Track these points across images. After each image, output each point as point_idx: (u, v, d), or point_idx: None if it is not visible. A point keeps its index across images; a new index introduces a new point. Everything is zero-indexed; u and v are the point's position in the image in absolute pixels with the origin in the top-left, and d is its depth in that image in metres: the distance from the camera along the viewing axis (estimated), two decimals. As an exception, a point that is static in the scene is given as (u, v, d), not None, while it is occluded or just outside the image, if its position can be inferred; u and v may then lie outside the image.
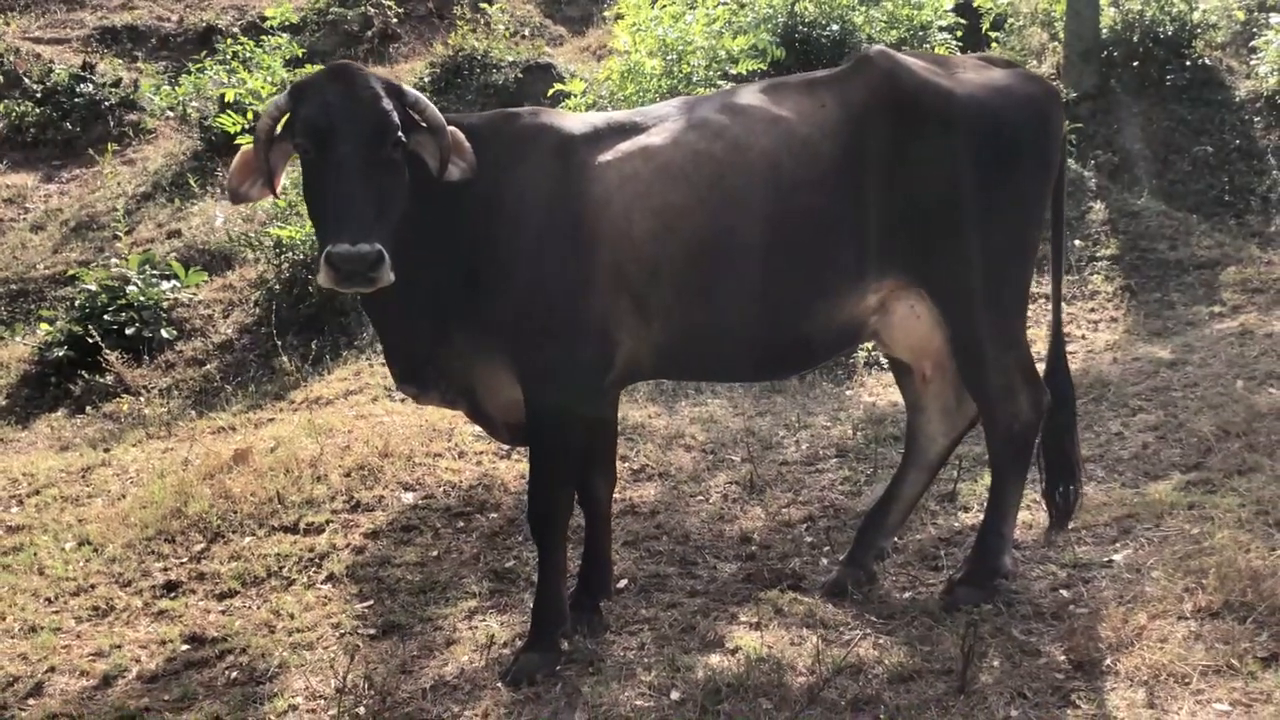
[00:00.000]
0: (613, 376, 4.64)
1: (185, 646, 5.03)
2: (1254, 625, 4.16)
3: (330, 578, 5.53)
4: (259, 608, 5.31)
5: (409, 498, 6.23)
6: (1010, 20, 14.13)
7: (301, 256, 9.45)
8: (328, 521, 6.02)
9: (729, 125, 4.53)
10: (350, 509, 6.15)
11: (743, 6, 11.40)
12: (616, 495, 6.11)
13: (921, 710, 3.99)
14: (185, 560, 5.79)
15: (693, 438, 6.93)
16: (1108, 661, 4.15)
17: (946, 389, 4.96)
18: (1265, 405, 6.28)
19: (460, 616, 5.08)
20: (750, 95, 4.68)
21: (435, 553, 5.68)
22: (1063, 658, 4.24)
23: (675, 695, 4.28)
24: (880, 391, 7.71)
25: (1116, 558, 5.00)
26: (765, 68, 10.20)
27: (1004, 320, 4.70)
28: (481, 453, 6.72)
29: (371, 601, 5.28)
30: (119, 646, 5.06)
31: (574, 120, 4.70)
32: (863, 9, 11.81)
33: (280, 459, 6.54)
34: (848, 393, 7.83)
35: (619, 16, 11.45)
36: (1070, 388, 4.94)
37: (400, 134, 4.10)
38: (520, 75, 14.06)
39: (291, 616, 5.17)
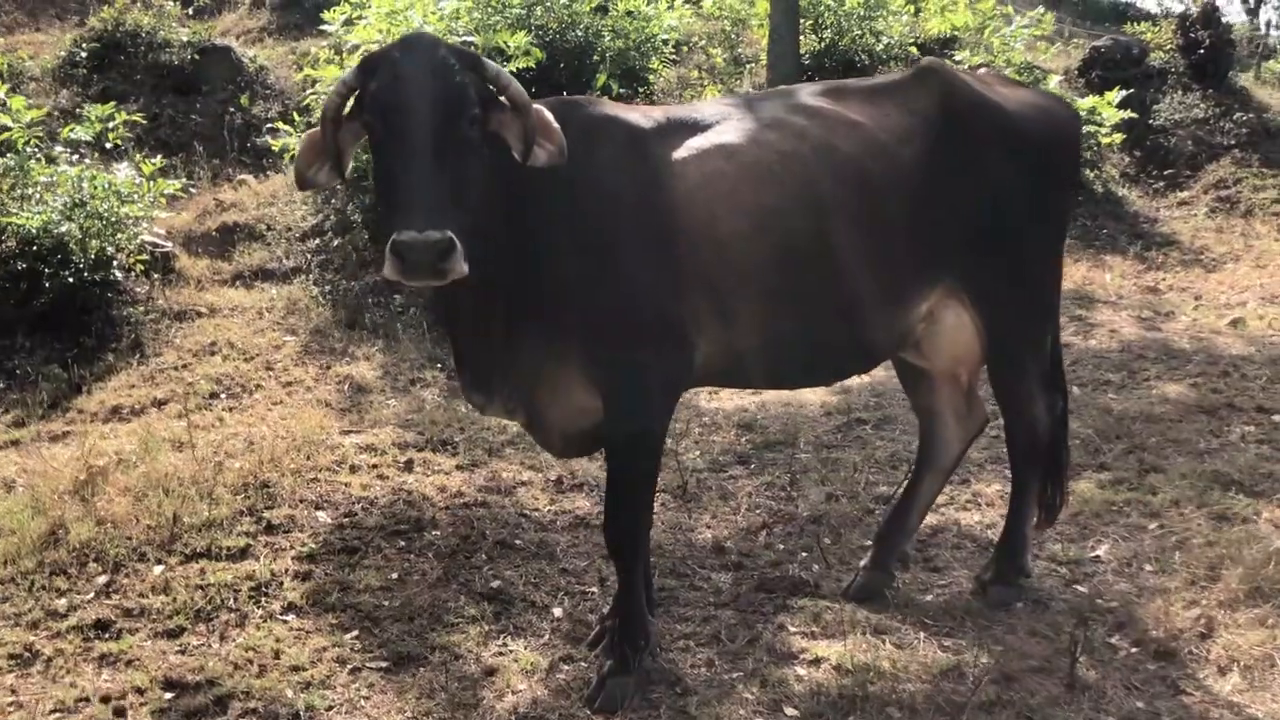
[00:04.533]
0: (687, 384, 4.59)
1: (169, 695, 4.40)
2: (1292, 606, 4.77)
3: (291, 608, 5.02)
4: (226, 646, 4.73)
5: (324, 517, 5.76)
6: (694, 39, 14.86)
7: (35, 247, 8.36)
8: (247, 546, 5.45)
9: (809, 127, 4.59)
10: (264, 531, 5.60)
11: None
12: (555, 508, 6.02)
13: (1051, 708, 4.23)
14: (93, 595, 5.04)
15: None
16: (1187, 650, 4.59)
17: (959, 395, 5.25)
18: (1122, 410, 7.10)
19: (474, 643, 4.78)
20: (815, 98, 4.76)
21: (395, 575, 5.30)
22: (1135, 649, 4.64)
23: (791, 711, 4.29)
24: (769, 400, 7.89)
25: (1100, 552, 5.52)
26: (532, 66, 10.17)
27: (1037, 328, 5.07)
28: (375, 465, 6.32)
29: (357, 632, 4.85)
30: (85, 700, 4.34)
31: (635, 113, 4.58)
32: (595, 17, 12.02)
33: (151, 477, 5.84)
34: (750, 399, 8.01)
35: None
36: (1065, 390, 5.38)
37: (478, 111, 3.83)
38: (196, 57, 13.17)
39: (277, 654, 4.65)
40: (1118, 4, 32.72)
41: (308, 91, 10.46)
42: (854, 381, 7.75)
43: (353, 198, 10.17)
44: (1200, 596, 4.95)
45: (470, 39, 10.42)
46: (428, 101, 3.74)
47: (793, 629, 4.90)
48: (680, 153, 4.39)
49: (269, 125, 12.28)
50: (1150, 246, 12.29)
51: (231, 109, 12.79)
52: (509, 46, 10.08)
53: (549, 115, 3.99)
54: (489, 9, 10.99)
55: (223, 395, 7.35)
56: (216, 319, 8.60)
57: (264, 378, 7.59)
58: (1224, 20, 16.34)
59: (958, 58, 13.53)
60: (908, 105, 4.74)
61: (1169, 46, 16.59)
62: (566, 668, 4.62)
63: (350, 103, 3.92)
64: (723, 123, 4.56)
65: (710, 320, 4.38)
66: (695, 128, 4.52)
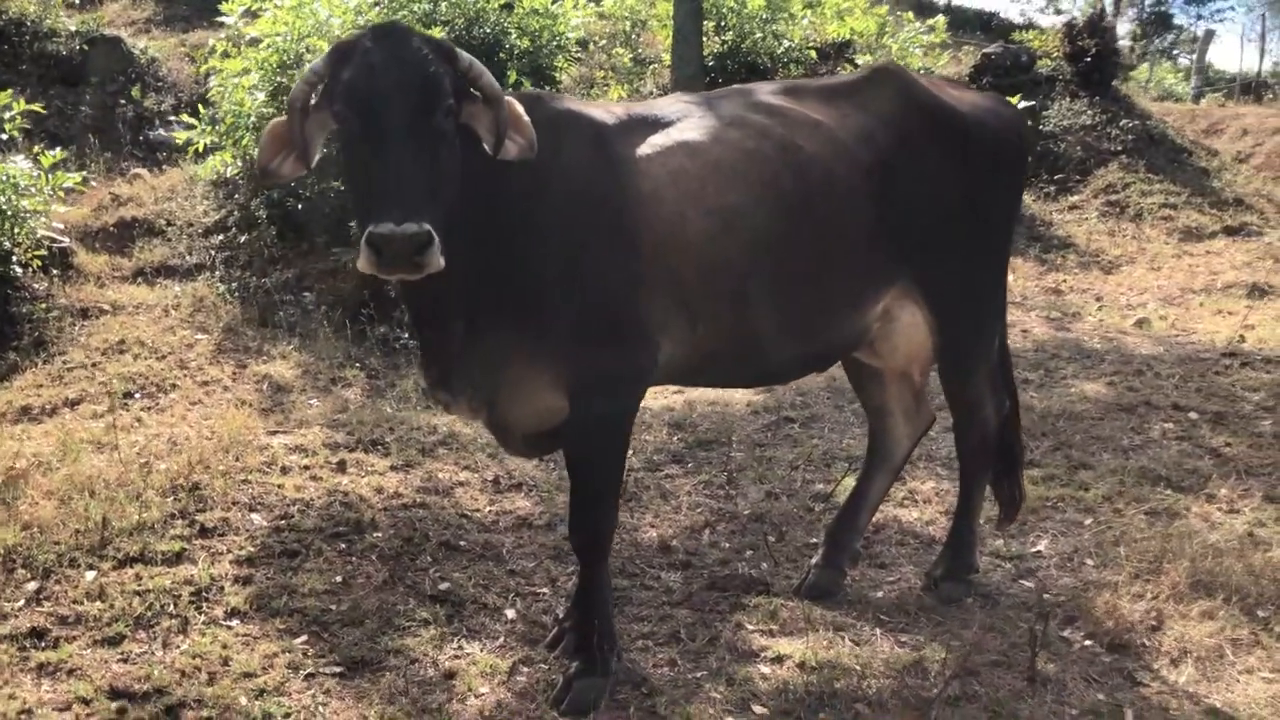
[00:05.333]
0: (651, 383, 4.57)
1: (115, 704, 4.23)
2: (1239, 601, 4.91)
3: (234, 613, 4.88)
4: (171, 653, 4.57)
5: (259, 519, 5.61)
6: (595, 39, 14.86)
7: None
8: (182, 550, 5.28)
9: (771, 125, 4.60)
10: (198, 534, 5.43)
11: None
12: (495, 508, 5.97)
13: (1015, 702, 4.30)
14: (25, 602, 4.84)
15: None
16: (1140, 643, 4.71)
17: (908, 394, 5.32)
18: (1045, 408, 7.28)
19: (429, 646, 4.69)
20: (774, 97, 4.77)
21: (339, 578, 5.18)
22: (1089, 642, 4.75)
23: (759, 709, 4.29)
24: (696, 398, 7.88)
25: (1040, 548, 5.64)
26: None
27: (988, 327, 5.16)
28: (306, 466, 6.17)
29: (306, 637, 4.73)
30: (28, 712, 4.16)
31: (597, 109, 4.56)
32: (501, 14, 11.92)
33: (74, 480, 5.64)
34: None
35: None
36: (1014, 387, 5.48)
37: (452, 102, 3.78)
38: (84, 47, 12.78)
39: (225, 661, 4.51)
40: (983, 14, 33.70)
41: (211, 83, 10.19)
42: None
43: (257, 193, 9.96)
44: (1145, 590, 5.08)
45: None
46: (403, 91, 3.68)
47: (751, 627, 4.91)
48: (643, 150, 4.37)
49: (166, 118, 12.00)
50: (1049, 249, 12.64)
51: (123, 101, 12.44)
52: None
53: (520, 108, 3.94)
54: (395, 3, 10.84)
55: (138, 395, 7.12)
56: (122, 316, 8.33)
57: (179, 377, 7.37)
58: (1109, 29, 16.88)
59: (858, 61, 13.76)
60: (866, 106, 4.78)
61: (1056, 54, 17.07)
62: (526, 670, 4.57)
63: (318, 92, 3.85)
64: (684, 120, 4.55)
65: (674, 319, 4.35)
66: (656, 125, 4.50)
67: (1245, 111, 23.20)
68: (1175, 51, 43.47)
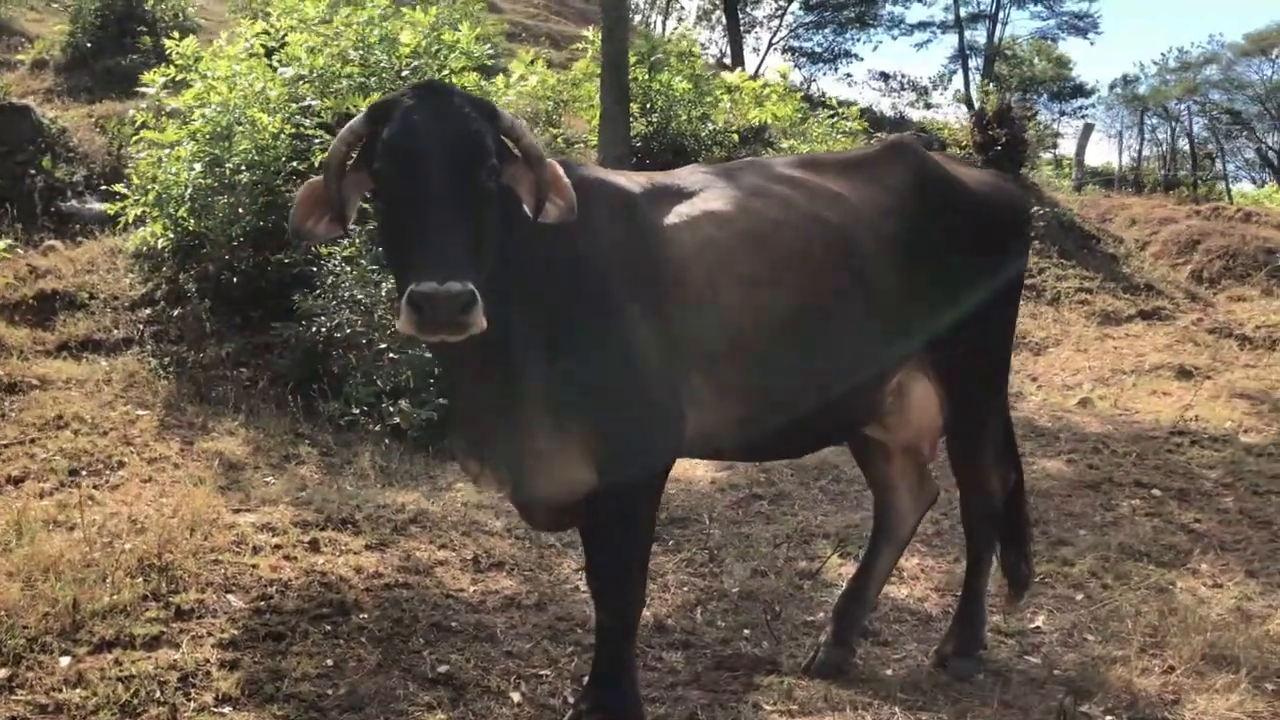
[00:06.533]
0: (680, 455, 4.51)
1: (114, 800, 4.03)
2: (1249, 674, 4.96)
3: (225, 699, 4.64)
4: (163, 744, 4.37)
5: (236, 601, 5.38)
6: (517, 118, 14.90)
7: None
8: (160, 634, 5.03)
9: (795, 197, 4.63)
10: (175, 617, 5.17)
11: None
12: (480, 588, 5.83)
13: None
14: (-4, 692, 4.59)
15: (508, 524, 6.70)
16: (1161, 717, 4.72)
17: (911, 468, 5.33)
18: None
19: (438, 732, 4.56)
20: (792, 169, 4.81)
21: (330, 661, 4.97)
22: (1110, 718, 4.74)
23: (797, 789, 4.23)
24: None
25: (1038, 623, 5.66)
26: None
27: (996, 401, 5.21)
28: (278, 546, 5.94)
29: (307, 724, 4.56)
30: (19, 810, 3.94)
31: (621, 177, 4.55)
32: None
33: (35, 560, 5.35)
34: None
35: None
36: (1018, 459, 5.52)
37: (495, 161, 3.73)
38: (-11, 116, 12.44)
39: (226, 751, 4.33)
40: (862, 109, 34.71)
41: (140, 155, 9.95)
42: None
43: (183, 266, 9.73)
44: (1153, 664, 5.12)
45: (313, 103, 10.19)
46: (446, 149, 3.63)
47: (769, 707, 4.82)
48: (671, 219, 4.36)
49: (78, 190, 11.72)
50: (976, 331, 12.85)
51: (33, 171, 12.07)
52: (360, 110, 9.87)
53: (560, 170, 3.90)
54: (329, 74, 10.73)
55: (84, 472, 6.81)
56: (53, 391, 8.01)
57: (125, 453, 7.09)
58: (1018, 118, 17.44)
59: (783, 145, 14.00)
60: (882, 180, 4.84)
61: (965, 143, 17.57)
62: (545, 755, 4.43)
63: (355, 152, 3.78)
64: (707, 190, 4.55)
65: (701, 389, 4.32)
66: (681, 194, 4.49)
67: (1130, 202, 24.10)
68: (1054, 146, 45.17)
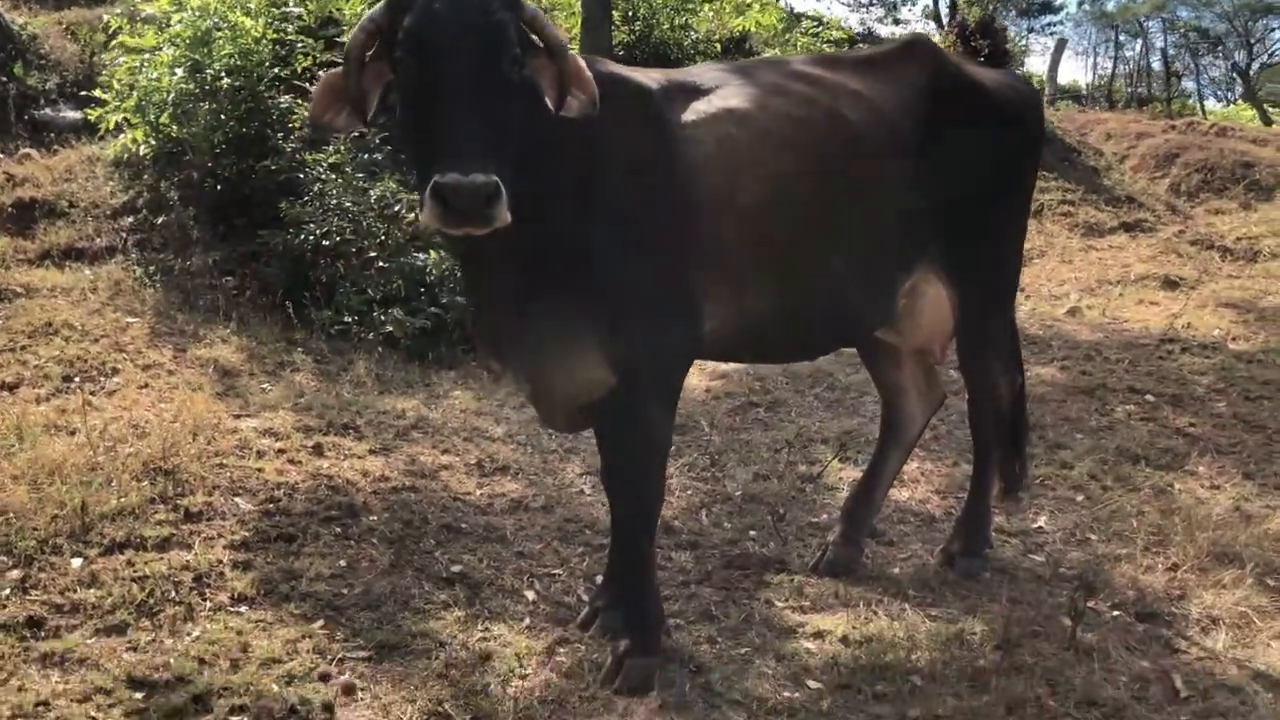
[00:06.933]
0: (698, 356, 4.51)
1: (138, 694, 4.01)
2: (1254, 570, 5.06)
3: (241, 598, 4.67)
4: (182, 641, 4.35)
5: (244, 504, 5.38)
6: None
7: None
8: (170, 535, 5.04)
9: (815, 94, 4.58)
10: (184, 519, 5.18)
11: None
12: (486, 491, 5.86)
13: (1065, 670, 4.34)
14: (10, 591, 4.55)
15: (510, 430, 6.72)
16: (1167, 612, 4.82)
17: (920, 373, 5.35)
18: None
19: (454, 629, 4.56)
20: (810, 67, 4.77)
21: (342, 562, 5.00)
22: (1118, 613, 4.84)
23: (814, 684, 4.27)
24: None
25: (1041, 523, 5.74)
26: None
27: (1006, 304, 5.24)
28: (282, 450, 5.95)
29: (323, 622, 4.54)
30: (44, 704, 3.91)
31: (638, 73, 4.49)
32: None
33: (39, 464, 5.34)
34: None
35: None
36: (1022, 363, 5.56)
37: (518, 51, 3.65)
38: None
39: (245, 648, 4.31)
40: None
41: (119, 60, 9.76)
42: (729, 367, 7.83)
43: (164, 174, 9.60)
44: (1156, 562, 5.22)
45: (295, 8, 10.02)
46: (469, 38, 3.55)
47: (780, 604, 4.89)
48: (690, 116, 4.30)
49: (51, 98, 11.51)
50: (961, 243, 12.90)
51: (4, 79, 11.84)
52: (343, 14, 9.75)
53: (582, 63, 3.85)
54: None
55: (77, 378, 6.76)
56: (39, 299, 7.91)
57: (118, 360, 7.03)
58: (1001, 30, 17.36)
59: (766, 54, 13.89)
60: (901, 78, 4.80)
61: (945, 54, 17.48)
62: (563, 650, 4.47)
63: (375, 43, 3.71)
64: (725, 88, 4.49)
65: (720, 289, 4.29)
66: (698, 91, 4.43)
67: (1106, 117, 24.20)
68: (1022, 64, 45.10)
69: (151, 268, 8.70)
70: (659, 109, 4.27)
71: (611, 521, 4.60)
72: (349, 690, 4.09)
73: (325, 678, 4.18)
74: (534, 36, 3.73)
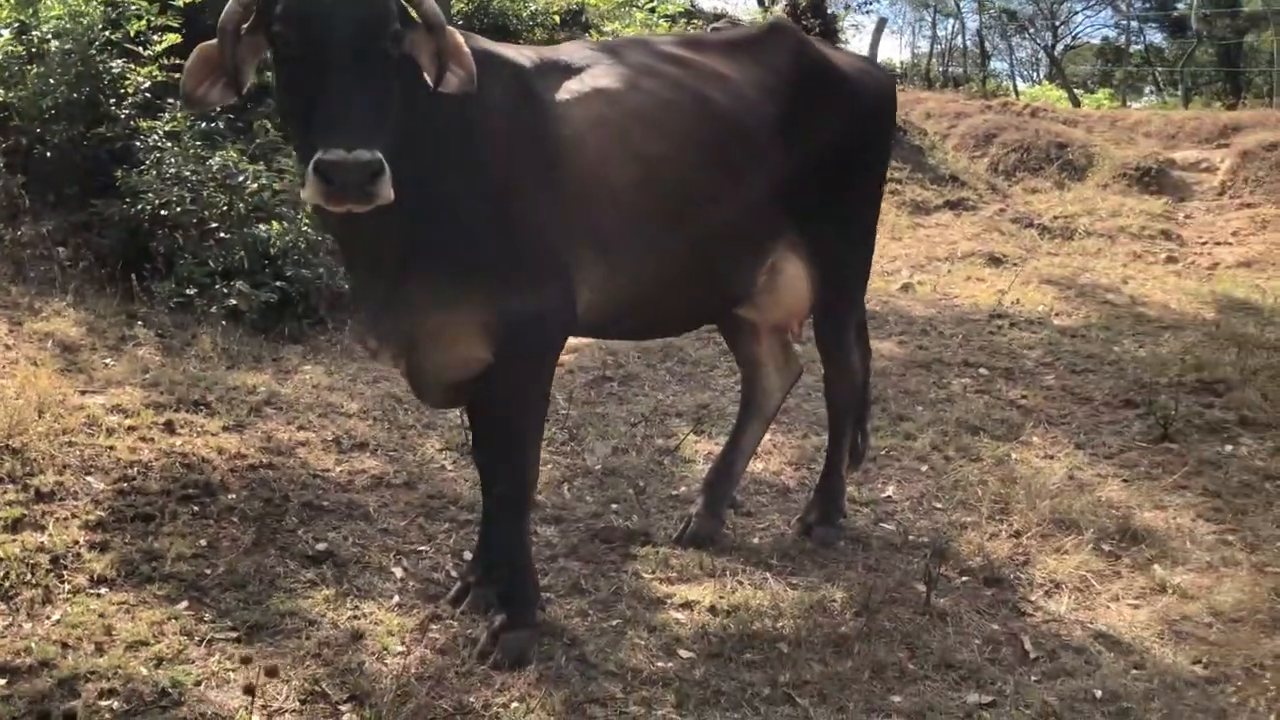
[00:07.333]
0: (572, 332, 4.57)
1: (1, 681, 3.94)
2: (1090, 536, 5.36)
3: (100, 580, 4.56)
4: (42, 625, 4.24)
5: (97, 483, 5.24)
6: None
7: None
8: (22, 516, 4.88)
9: (683, 76, 4.68)
10: (35, 499, 5.01)
11: None
12: (345, 468, 5.83)
13: (923, 634, 4.55)
14: None
15: (364, 406, 6.68)
16: (1013, 577, 5.07)
17: (779, 347, 5.51)
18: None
19: (323, 608, 4.54)
20: (677, 48, 4.86)
21: (203, 541, 4.91)
22: (966, 579, 5.08)
23: (686, 653, 4.39)
24: None
25: (889, 493, 5.97)
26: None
27: (860, 281, 5.43)
28: (132, 427, 5.77)
29: (187, 603, 4.48)
30: (-99, 695, 3.82)
31: (509, 49, 4.52)
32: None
33: None
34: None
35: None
36: (867, 344, 5.76)
37: (399, 26, 3.67)
38: None
39: (109, 630, 4.23)
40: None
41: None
42: (581, 341, 7.89)
43: (-14, 140, 9.20)
44: (1000, 530, 5.48)
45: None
46: (349, 14, 3.55)
47: (647, 575, 4.99)
48: (562, 95, 4.36)
49: None
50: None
51: None
52: None
53: (460, 38, 3.87)
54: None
55: (-96, 353, 6.49)
56: None
57: (-51, 335, 6.76)
58: (829, 11, 17.76)
59: (606, 29, 13.94)
60: (765, 61, 4.93)
61: (780, 31, 17.81)
62: (436, 627, 4.50)
63: (252, 15, 3.67)
64: (595, 67, 4.56)
65: (595, 269, 4.37)
66: (569, 70, 4.49)
67: (925, 96, 24.86)
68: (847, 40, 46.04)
69: (-24, 237, 8.34)
70: (532, 86, 4.31)
71: (484, 498, 4.65)
72: (271, 673, 4.04)
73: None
74: (412, 12, 3.73)
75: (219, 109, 9.03)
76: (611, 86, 4.47)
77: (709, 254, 4.72)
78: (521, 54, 4.47)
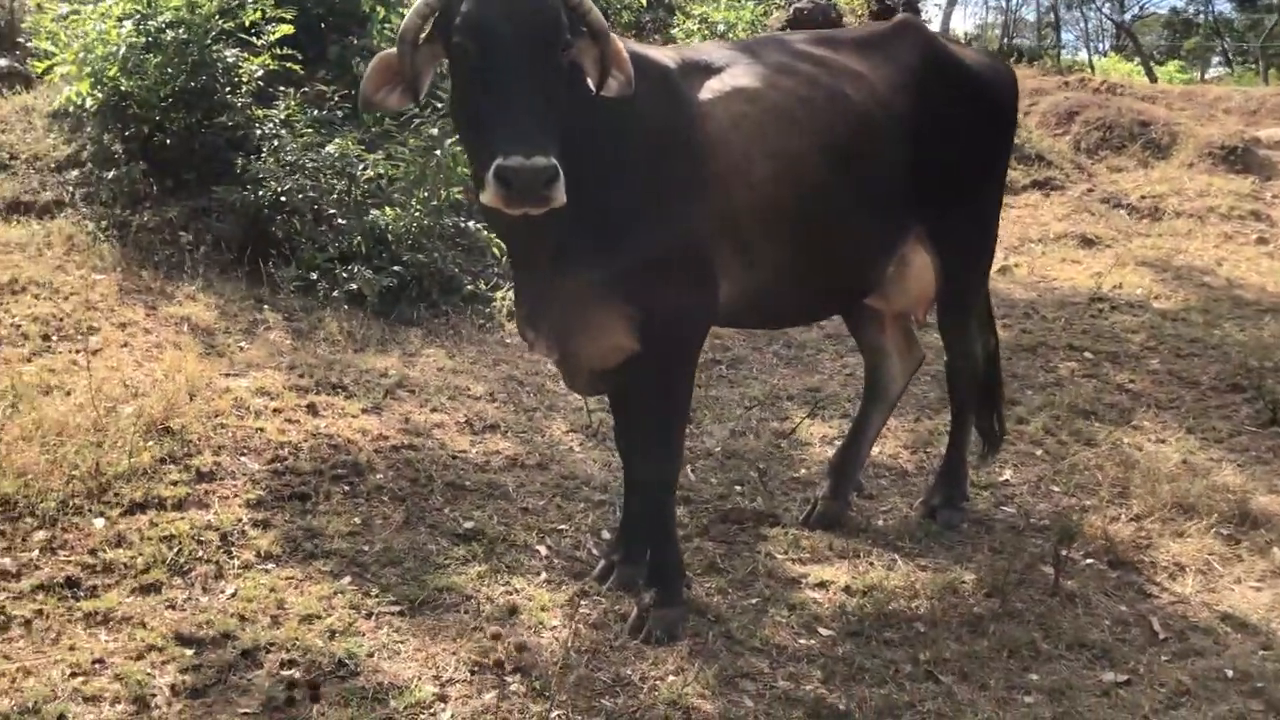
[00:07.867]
0: (714, 323, 4.77)
1: (189, 651, 4.18)
2: (1208, 520, 5.48)
3: (268, 556, 4.83)
4: (217, 599, 4.51)
5: (251, 464, 5.51)
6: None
7: None
8: (187, 495, 5.16)
9: (819, 74, 4.85)
10: (197, 479, 5.29)
11: None
12: (481, 449, 6.05)
13: (1054, 616, 4.70)
14: (38, 551, 4.65)
15: (490, 389, 6.91)
16: (1138, 559, 5.22)
17: (902, 335, 5.68)
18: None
19: (477, 583, 4.77)
20: (812, 46, 5.02)
21: (358, 520, 5.17)
22: (1091, 561, 5.23)
23: (826, 631, 4.58)
24: None
25: (1007, 476, 6.11)
26: None
27: (984, 271, 5.57)
28: (278, 410, 6.04)
29: (350, 578, 4.74)
30: (100, 662, 4.07)
31: (653, 50, 4.71)
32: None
33: (43, 425, 5.40)
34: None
35: None
36: (995, 326, 5.91)
37: (569, 36, 3.88)
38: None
39: (281, 604, 4.49)
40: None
41: (48, 10, 9.61)
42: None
43: (108, 127, 9.50)
44: (1120, 513, 5.61)
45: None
46: (527, 24, 3.76)
47: (780, 556, 5.18)
48: (705, 94, 4.54)
49: None
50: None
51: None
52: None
53: (621, 45, 4.06)
54: None
55: (54, 337, 6.77)
56: (-4, 255, 7.87)
57: (93, 319, 7.03)
58: (912, -12, 17.72)
59: (694, 11, 14.04)
60: (895, 58, 5.08)
61: (861, 11, 17.82)
62: (585, 603, 4.71)
63: (429, 25, 3.88)
64: (735, 66, 4.73)
65: (732, 260, 4.56)
66: (710, 70, 4.67)
67: (1003, 72, 24.66)
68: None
69: (103, 223, 8.63)
70: (678, 86, 4.49)
71: (628, 481, 4.87)
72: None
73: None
74: (579, 20, 3.93)
75: (336, 97, 9.34)
76: (751, 85, 4.65)
77: (843, 247, 4.89)
78: (665, 55, 4.65)
